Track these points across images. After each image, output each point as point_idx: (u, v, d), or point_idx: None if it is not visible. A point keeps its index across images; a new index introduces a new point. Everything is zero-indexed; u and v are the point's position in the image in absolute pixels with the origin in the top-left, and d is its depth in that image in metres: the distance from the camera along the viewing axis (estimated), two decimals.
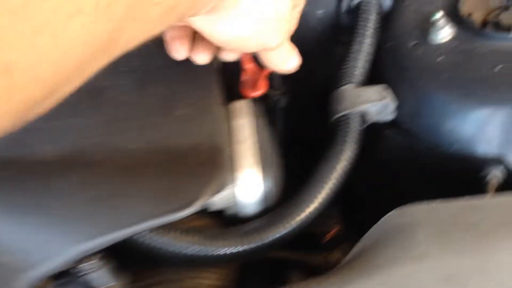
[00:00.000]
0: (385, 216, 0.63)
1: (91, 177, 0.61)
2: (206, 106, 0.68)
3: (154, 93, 0.68)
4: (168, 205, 0.59)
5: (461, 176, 0.73)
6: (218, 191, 0.62)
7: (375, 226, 0.63)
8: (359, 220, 0.95)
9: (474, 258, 0.58)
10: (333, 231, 0.86)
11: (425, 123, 0.74)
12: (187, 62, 0.72)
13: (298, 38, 0.96)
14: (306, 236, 0.83)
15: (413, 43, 0.78)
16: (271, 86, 0.95)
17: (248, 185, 0.67)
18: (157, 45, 0.72)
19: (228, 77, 0.87)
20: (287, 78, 0.96)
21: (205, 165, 0.62)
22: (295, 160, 1.08)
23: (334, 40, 0.96)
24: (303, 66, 1.02)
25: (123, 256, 0.70)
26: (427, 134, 0.74)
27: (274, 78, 0.93)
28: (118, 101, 0.67)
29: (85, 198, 0.60)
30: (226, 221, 0.72)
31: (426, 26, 0.77)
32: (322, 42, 0.97)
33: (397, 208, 0.63)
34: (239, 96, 0.85)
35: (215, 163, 0.63)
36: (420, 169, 0.77)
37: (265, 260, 0.80)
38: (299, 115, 1.02)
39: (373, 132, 0.79)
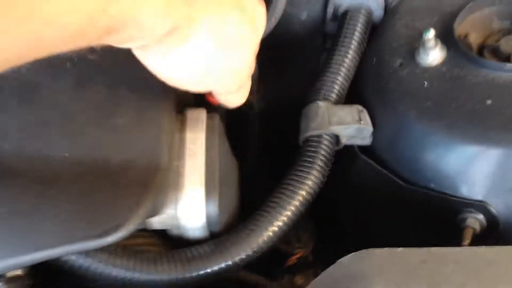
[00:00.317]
0: (339, 261, 0.55)
1: (6, 188, 0.53)
2: (151, 115, 0.60)
3: (93, 95, 0.60)
4: (90, 229, 0.51)
5: (437, 217, 0.65)
6: (149, 215, 0.54)
7: (327, 271, 0.55)
8: (329, 244, 0.87)
9: None
10: (298, 255, 0.78)
11: (402, 155, 0.66)
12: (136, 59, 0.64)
13: (278, 43, 0.88)
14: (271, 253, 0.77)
15: (399, 62, 0.69)
16: None
17: (189, 207, 0.59)
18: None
19: None
20: (265, 84, 0.88)
21: (138, 185, 0.54)
22: (265, 171, 1.00)
23: (319, 47, 0.88)
24: (283, 73, 0.94)
25: (52, 275, 0.63)
26: (403, 167, 0.66)
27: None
28: (50, 101, 0.59)
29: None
30: (171, 241, 0.65)
31: (415, 45, 0.69)
32: (305, 48, 0.88)
33: (354, 253, 0.55)
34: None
35: (149, 183, 0.55)
36: (392, 203, 0.69)
37: (225, 280, 0.73)
38: (276, 123, 0.94)
39: (347, 153, 0.70)
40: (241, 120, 0.90)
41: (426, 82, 0.66)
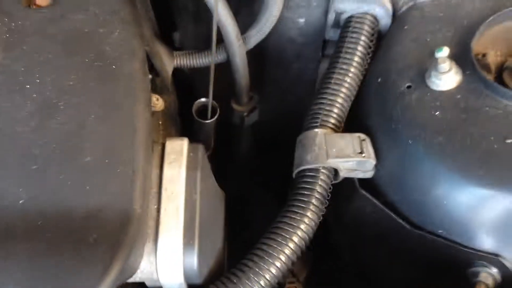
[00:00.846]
0: None
1: None
2: (123, 150, 0.52)
3: (57, 128, 0.52)
4: None
5: (444, 267, 0.58)
6: (119, 281, 0.47)
7: None
8: (324, 273, 0.81)
9: None
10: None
11: (408, 193, 0.59)
12: (106, 81, 0.56)
13: (273, 50, 0.80)
14: None
15: (407, 85, 0.61)
16: (237, 102, 0.79)
17: (165, 261, 0.52)
18: (67, 54, 0.56)
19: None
20: (257, 95, 0.80)
21: (107, 241, 0.47)
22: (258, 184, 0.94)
23: (317, 55, 0.80)
24: (277, 83, 0.86)
25: None
26: (409, 208, 0.59)
27: (240, 92, 0.77)
28: (8, 134, 0.51)
29: None
30: None
31: (426, 65, 0.61)
32: (302, 56, 0.80)
33: None
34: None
35: (120, 240, 0.47)
36: (394, 245, 0.62)
37: None
38: (269, 136, 0.87)
39: (346, 185, 0.63)
40: (231, 134, 0.83)
41: (438, 112, 0.58)
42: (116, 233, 0.47)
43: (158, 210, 0.53)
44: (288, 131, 0.72)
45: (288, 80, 0.83)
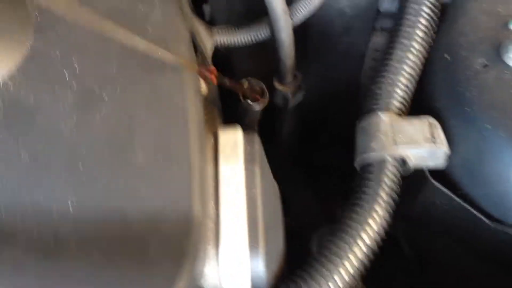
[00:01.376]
0: None
1: (2, 265, 0.41)
2: (177, 147, 0.47)
3: (102, 122, 0.47)
4: None
5: None
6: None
7: None
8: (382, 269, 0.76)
9: None
10: None
11: (488, 184, 0.53)
12: (151, 71, 0.50)
13: (319, 23, 0.73)
14: None
15: (481, 62, 0.55)
16: (280, 81, 0.73)
17: (229, 265, 0.47)
18: (107, 49, 0.50)
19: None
20: (302, 74, 0.74)
21: (169, 253, 0.42)
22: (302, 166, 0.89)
23: (369, 27, 0.73)
24: (323, 60, 0.80)
25: None
26: (489, 200, 0.54)
27: (284, 71, 0.71)
28: (49, 132, 0.46)
29: None
30: None
31: (500, 39, 0.55)
32: (352, 29, 0.74)
33: None
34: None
35: (184, 248, 0.42)
36: (471, 244, 0.57)
37: None
38: (315, 116, 0.81)
39: (414, 176, 0.58)
40: (276, 115, 0.78)
41: None
42: (179, 241, 0.42)
43: (217, 210, 0.48)
44: (335, 112, 0.67)
45: (335, 55, 0.77)
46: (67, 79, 0.50)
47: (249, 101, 0.63)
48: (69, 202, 0.44)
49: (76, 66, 0.50)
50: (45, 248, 0.41)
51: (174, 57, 0.52)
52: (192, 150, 0.48)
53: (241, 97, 0.64)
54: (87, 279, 0.40)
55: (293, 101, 0.74)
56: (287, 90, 0.73)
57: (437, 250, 0.65)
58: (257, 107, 0.63)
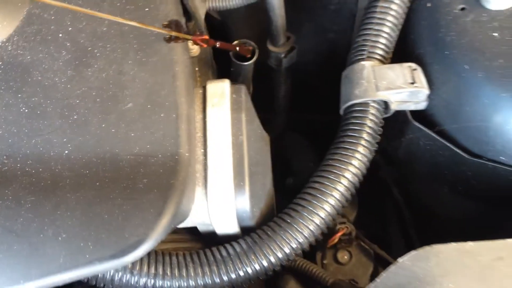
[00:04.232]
0: (401, 260, 0.47)
1: (2, 200, 0.44)
2: (165, 94, 0.50)
3: (95, 75, 0.50)
4: (104, 248, 0.43)
5: (507, 196, 0.55)
6: (173, 225, 0.45)
7: (387, 272, 0.47)
8: (372, 215, 0.79)
9: None
10: (341, 232, 0.70)
11: (466, 122, 0.55)
12: (141, 22, 0.53)
13: None
14: None
15: (460, 7, 0.57)
16: (273, 43, 0.76)
17: (217, 204, 0.50)
18: (98, 10, 0.53)
19: None
20: (294, 35, 0.76)
21: (157, 187, 0.45)
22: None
23: None
24: (313, 20, 0.82)
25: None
26: (467, 137, 0.56)
27: (276, 33, 0.74)
28: (46, 85, 0.49)
29: None
30: (202, 237, 0.57)
31: None
32: None
33: (417, 250, 0.47)
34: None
35: (171, 184, 0.45)
36: (451, 177, 0.59)
37: None
38: (307, 77, 0.84)
39: (397, 118, 0.60)
40: (268, 76, 0.80)
41: (496, 33, 0.53)
42: (166, 178, 0.46)
43: (205, 154, 0.51)
44: (328, 72, 0.69)
45: (327, 15, 0.79)
46: (61, 38, 0.53)
47: (237, 61, 0.66)
48: (65, 147, 0.47)
49: (69, 26, 0.54)
50: (43, 186, 0.45)
51: (162, 15, 0.55)
52: (179, 99, 0.51)
53: (232, 57, 0.66)
54: (81, 211, 0.44)
55: (286, 62, 0.76)
56: (280, 51, 0.75)
57: (423, 192, 0.67)
58: (247, 64, 0.66)
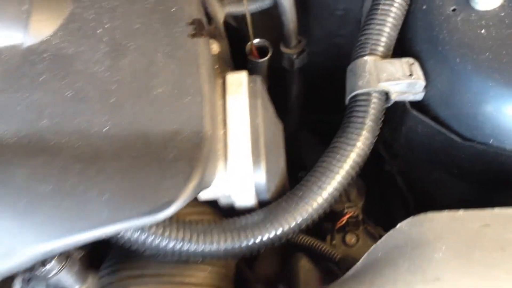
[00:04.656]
0: (399, 225, 0.53)
1: (52, 166, 0.52)
2: (191, 82, 0.57)
3: (129, 65, 0.57)
4: (139, 206, 0.50)
5: (496, 176, 0.61)
6: (198, 190, 0.52)
7: (387, 235, 0.54)
8: (379, 201, 0.85)
9: (497, 285, 0.48)
10: (348, 214, 0.76)
11: (458, 109, 0.62)
12: (169, 24, 0.60)
13: None
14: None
15: (452, 8, 0.64)
16: (286, 45, 0.83)
17: (237, 177, 0.57)
18: (131, 9, 0.60)
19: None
20: (305, 37, 0.84)
21: (185, 158, 0.52)
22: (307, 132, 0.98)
23: None
24: (323, 24, 0.89)
25: (104, 245, 0.63)
26: (460, 122, 0.62)
27: (288, 35, 0.81)
28: (86, 73, 0.57)
29: (45, 191, 0.51)
30: (220, 210, 0.64)
31: None
32: None
33: (413, 217, 0.53)
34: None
35: (195, 157, 0.52)
36: (447, 161, 0.65)
37: None
38: (319, 77, 0.91)
39: (397, 109, 0.66)
40: (281, 77, 0.87)
41: (483, 30, 0.60)
42: (192, 151, 0.53)
43: (225, 134, 0.58)
44: (337, 74, 0.75)
45: (333, 22, 0.86)
46: (100, 34, 0.61)
47: (252, 59, 0.73)
48: (104, 125, 0.54)
49: (107, 24, 0.61)
50: (86, 157, 0.52)
51: (186, 15, 0.62)
52: (203, 86, 0.58)
53: (248, 55, 0.74)
54: (120, 176, 0.51)
55: (298, 63, 0.83)
56: (292, 52, 0.82)
57: (424, 179, 0.73)
58: (262, 61, 0.73)
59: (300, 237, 0.71)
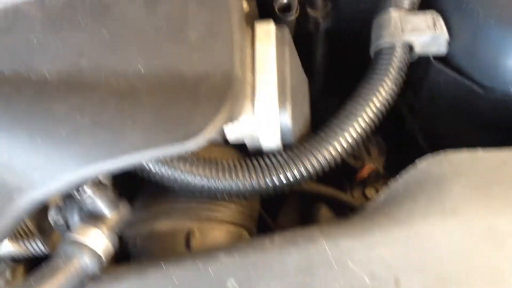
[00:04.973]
0: (420, 162, 0.55)
1: (90, 101, 0.55)
2: (222, 29, 0.59)
3: (164, 12, 0.60)
4: (171, 134, 0.53)
5: None
6: (226, 122, 0.55)
7: (407, 171, 0.56)
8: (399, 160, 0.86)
9: None
10: (368, 168, 0.78)
11: (481, 61, 0.64)
12: None
13: None
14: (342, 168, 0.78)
15: None
16: (311, 6, 0.85)
17: (264, 117, 0.60)
18: None
19: None
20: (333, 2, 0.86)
21: (214, 95, 0.55)
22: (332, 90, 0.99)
23: None
24: None
25: (134, 182, 0.66)
26: (482, 74, 0.64)
27: None
28: (124, 19, 0.60)
29: (84, 122, 0.55)
30: (248, 154, 0.66)
31: None
32: None
33: (434, 154, 0.55)
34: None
35: (225, 93, 0.55)
36: (469, 112, 0.67)
37: (295, 192, 0.76)
38: (345, 41, 0.92)
39: (421, 63, 0.68)
40: (307, 40, 0.89)
41: None
42: (222, 89, 0.55)
43: (254, 78, 0.61)
44: (362, 39, 0.77)
45: None
46: None
47: (280, 14, 0.75)
48: (139, 65, 0.57)
49: None
50: (122, 92, 0.55)
51: None
52: (234, 32, 0.60)
53: (276, 10, 0.76)
54: (154, 109, 0.54)
55: (324, 25, 0.85)
56: (317, 14, 0.85)
57: (445, 134, 0.75)
58: (288, 16, 0.75)
59: (321, 188, 0.73)
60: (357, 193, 0.76)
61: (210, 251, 0.54)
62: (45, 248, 0.65)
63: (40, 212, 0.63)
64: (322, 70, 0.93)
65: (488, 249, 0.49)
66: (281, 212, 0.76)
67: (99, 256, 0.53)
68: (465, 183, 0.53)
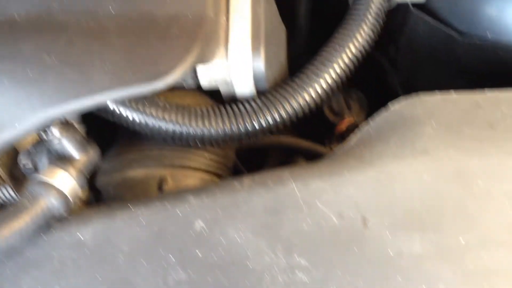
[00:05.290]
0: (392, 104, 0.54)
1: (58, 41, 0.54)
2: None
3: None
4: (140, 74, 0.52)
5: (494, 72, 0.61)
6: (196, 63, 0.54)
7: (379, 114, 0.55)
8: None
9: (485, 159, 0.49)
10: (347, 121, 0.77)
11: (459, 8, 0.63)
12: None
13: None
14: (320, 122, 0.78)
15: None
16: None
17: (236, 59, 0.59)
18: None
19: None
20: None
21: (185, 35, 0.54)
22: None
23: None
24: None
25: (107, 129, 0.65)
26: (460, 21, 0.63)
27: None
28: None
29: (51, 62, 0.54)
30: (222, 101, 0.65)
31: None
32: None
33: (406, 96, 0.54)
34: None
35: (195, 34, 0.54)
36: (447, 59, 0.66)
37: (273, 145, 0.75)
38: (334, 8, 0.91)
39: (399, 11, 0.67)
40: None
41: None
42: (193, 30, 0.55)
43: (227, 21, 0.59)
44: None
45: None
46: None
47: None
48: (110, 7, 0.56)
49: None
50: (92, 32, 0.54)
51: None
52: None
53: None
54: (124, 49, 0.53)
55: None
56: None
57: (421, 76, 0.74)
58: None
59: (300, 142, 0.73)
60: (335, 146, 0.75)
61: (178, 193, 0.53)
62: (16, 196, 0.64)
63: (12, 159, 0.62)
64: (304, 25, 0.91)
65: (457, 189, 0.49)
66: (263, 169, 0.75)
67: (66, 197, 0.52)
68: (436, 124, 0.52)
